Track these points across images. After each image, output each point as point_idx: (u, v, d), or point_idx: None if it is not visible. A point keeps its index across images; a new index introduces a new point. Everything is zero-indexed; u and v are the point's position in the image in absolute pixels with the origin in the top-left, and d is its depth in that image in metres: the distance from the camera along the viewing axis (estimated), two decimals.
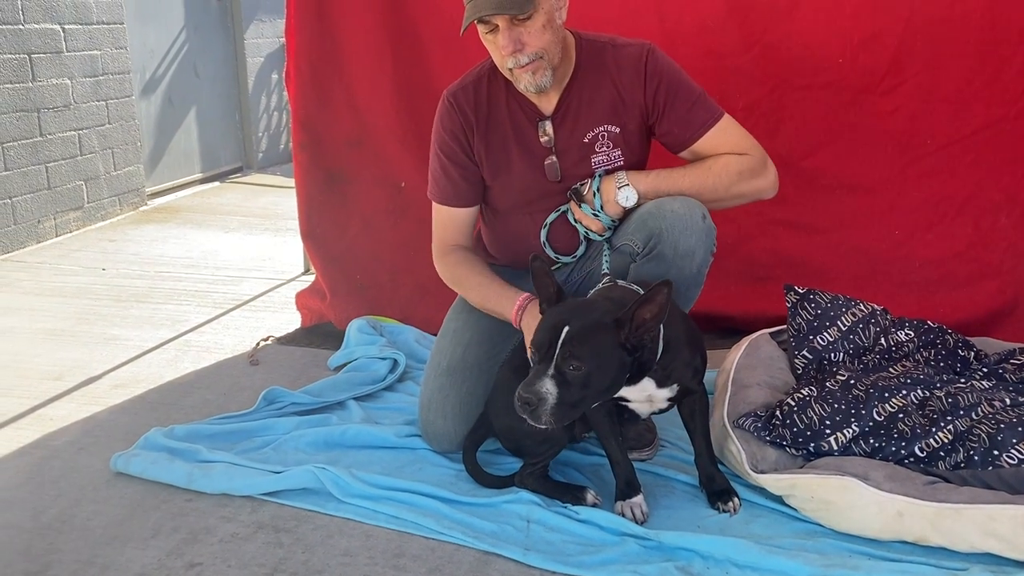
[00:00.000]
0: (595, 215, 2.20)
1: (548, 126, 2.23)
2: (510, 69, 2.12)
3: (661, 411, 2.08)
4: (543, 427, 1.78)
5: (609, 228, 2.22)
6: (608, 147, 2.24)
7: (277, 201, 5.71)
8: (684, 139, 2.23)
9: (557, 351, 1.75)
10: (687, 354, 1.98)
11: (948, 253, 3.00)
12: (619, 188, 2.16)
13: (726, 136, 2.22)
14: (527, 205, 2.31)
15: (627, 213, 2.20)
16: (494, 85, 2.26)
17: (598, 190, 2.19)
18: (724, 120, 2.23)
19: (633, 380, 1.91)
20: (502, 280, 2.25)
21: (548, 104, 2.23)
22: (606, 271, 2.16)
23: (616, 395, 1.95)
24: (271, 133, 7.03)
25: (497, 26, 2.05)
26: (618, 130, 2.23)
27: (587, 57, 2.22)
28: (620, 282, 2.02)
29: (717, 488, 2.07)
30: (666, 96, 2.20)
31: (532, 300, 2.13)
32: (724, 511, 2.03)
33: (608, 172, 2.23)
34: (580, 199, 2.22)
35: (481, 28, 2.08)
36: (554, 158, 2.24)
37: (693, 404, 2.06)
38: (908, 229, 3.05)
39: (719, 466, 2.12)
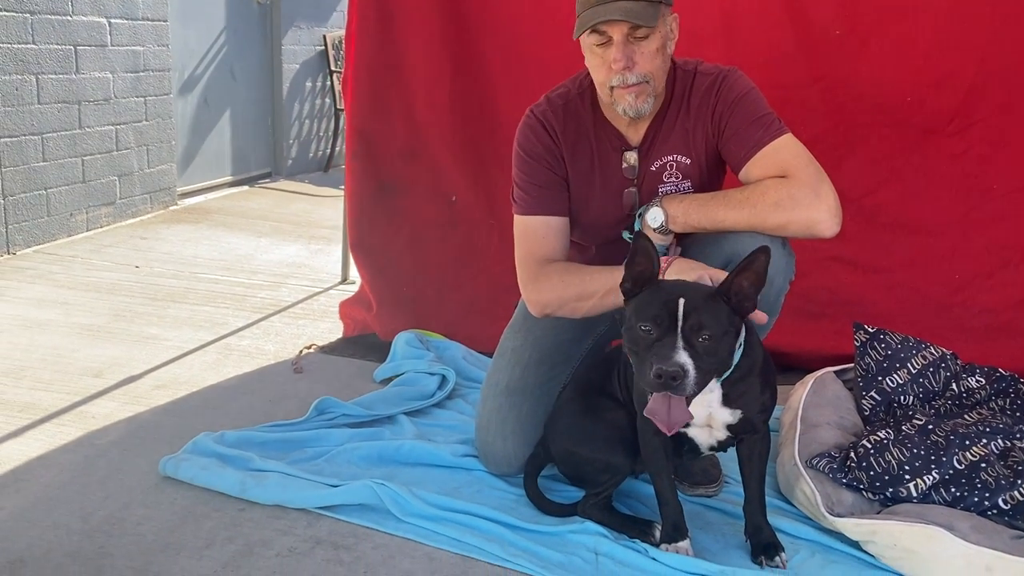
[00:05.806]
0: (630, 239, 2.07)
1: (633, 156, 2.14)
2: (611, 88, 2.02)
3: (718, 447, 1.99)
4: (687, 394, 1.69)
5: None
6: (677, 177, 2.15)
7: (308, 209, 5.67)
8: (738, 159, 2.08)
9: (681, 323, 1.70)
10: (758, 382, 1.90)
11: (1009, 301, 2.95)
12: (650, 207, 2.06)
13: (777, 157, 2.02)
14: (600, 234, 2.24)
15: (682, 236, 2.09)
16: (581, 109, 2.16)
17: (640, 215, 2.09)
18: (781, 140, 2.04)
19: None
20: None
21: (636, 134, 2.15)
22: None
23: None
24: (301, 140, 7.00)
25: (611, 39, 1.97)
26: (688, 160, 2.14)
27: (676, 87, 2.14)
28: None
29: (764, 541, 1.95)
30: (728, 115, 2.08)
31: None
32: (769, 566, 1.91)
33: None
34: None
35: (592, 39, 1.99)
36: (633, 189, 2.17)
37: (754, 445, 1.96)
38: (968, 275, 3.00)
39: (793, 508, 2.05)
